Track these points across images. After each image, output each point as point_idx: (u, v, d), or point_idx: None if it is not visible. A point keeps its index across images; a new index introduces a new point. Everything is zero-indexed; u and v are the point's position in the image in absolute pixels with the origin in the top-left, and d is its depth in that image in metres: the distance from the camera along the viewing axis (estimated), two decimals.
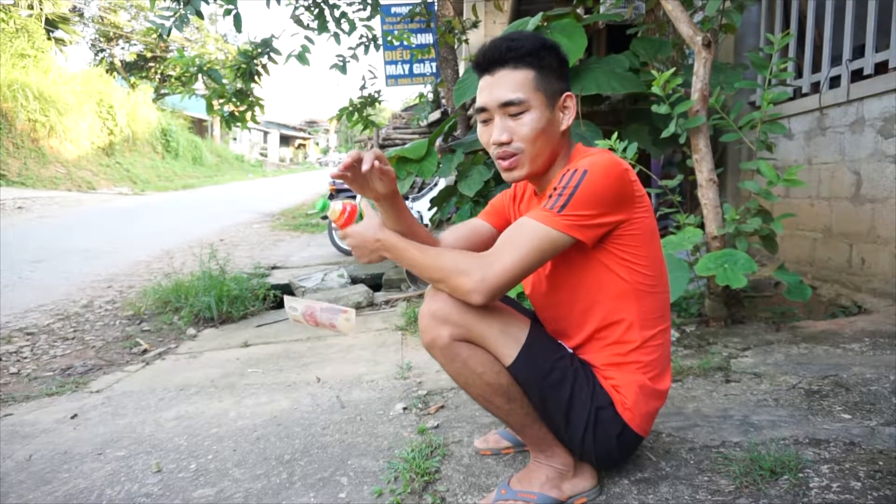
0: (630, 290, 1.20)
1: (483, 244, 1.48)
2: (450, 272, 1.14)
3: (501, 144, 1.21)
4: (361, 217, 1.27)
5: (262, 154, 35.72)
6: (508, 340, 1.18)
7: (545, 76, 1.21)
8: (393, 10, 8.44)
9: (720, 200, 2.48)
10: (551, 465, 1.28)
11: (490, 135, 1.23)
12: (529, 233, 1.12)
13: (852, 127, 2.92)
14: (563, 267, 1.25)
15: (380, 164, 1.22)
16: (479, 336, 1.18)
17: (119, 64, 25.60)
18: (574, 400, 1.19)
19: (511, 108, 1.19)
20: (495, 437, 1.57)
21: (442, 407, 1.92)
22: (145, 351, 3.22)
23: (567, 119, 1.25)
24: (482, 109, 1.23)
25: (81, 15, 24.20)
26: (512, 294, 2.18)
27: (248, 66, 4.64)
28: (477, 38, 6.90)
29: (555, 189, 1.14)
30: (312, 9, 4.77)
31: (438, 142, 3.90)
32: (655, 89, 2.43)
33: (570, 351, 1.26)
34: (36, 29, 16.01)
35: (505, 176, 1.26)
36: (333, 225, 1.29)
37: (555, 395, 1.19)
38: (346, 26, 4.91)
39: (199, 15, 3.70)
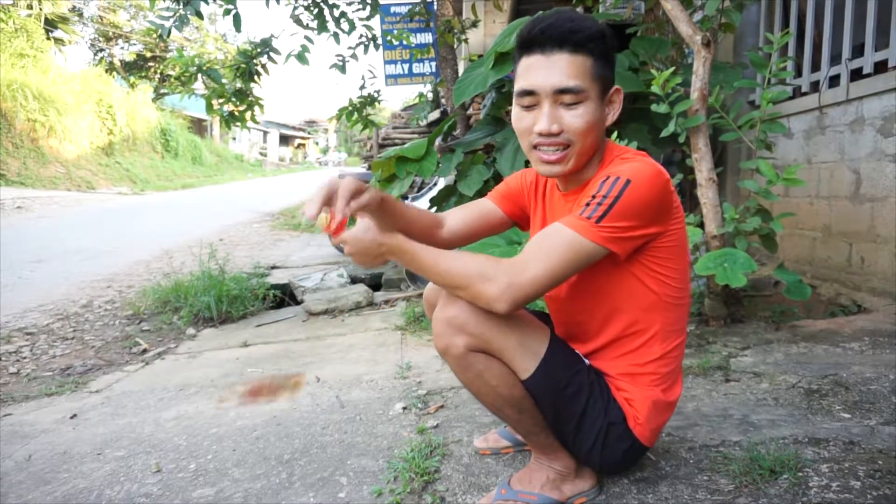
0: (658, 302, 1.16)
1: (490, 229, 1.41)
2: (473, 278, 1.05)
3: (550, 135, 1.11)
4: (354, 220, 1.18)
5: (261, 154, 35.73)
6: (526, 354, 1.14)
7: (602, 66, 1.11)
8: (392, 9, 8.43)
9: (720, 199, 2.48)
10: (552, 467, 1.27)
11: (532, 121, 1.12)
12: (564, 242, 1.05)
13: (852, 126, 2.92)
14: (588, 274, 1.16)
15: (356, 205, 1.11)
16: (496, 348, 1.13)
17: (118, 64, 25.59)
18: (587, 415, 1.17)
19: (567, 96, 1.08)
20: (495, 436, 1.56)
21: (441, 406, 1.92)
22: (145, 351, 3.22)
23: (612, 115, 1.16)
24: (529, 93, 1.11)
25: (80, 15, 24.20)
26: None
27: (248, 65, 4.64)
28: (476, 38, 6.91)
29: (593, 197, 1.07)
30: (312, 8, 4.77)
31: (438, 141, 3.89)
32: (655, 88, 2.42)
33: (587, 363, 1.22)
34: (35, 29, 16.01)
35: (544, 169, 1.16)
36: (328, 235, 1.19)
37: (568, 409, 1.17)
38: (345, 26, 4.91)
39: (199, 15, 3.70)
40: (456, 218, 1.40)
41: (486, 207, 1.42)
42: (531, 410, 1.18)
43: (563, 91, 1.09)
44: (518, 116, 1.16)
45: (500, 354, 1.14)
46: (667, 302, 1.17)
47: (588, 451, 1.20)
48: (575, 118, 1.10)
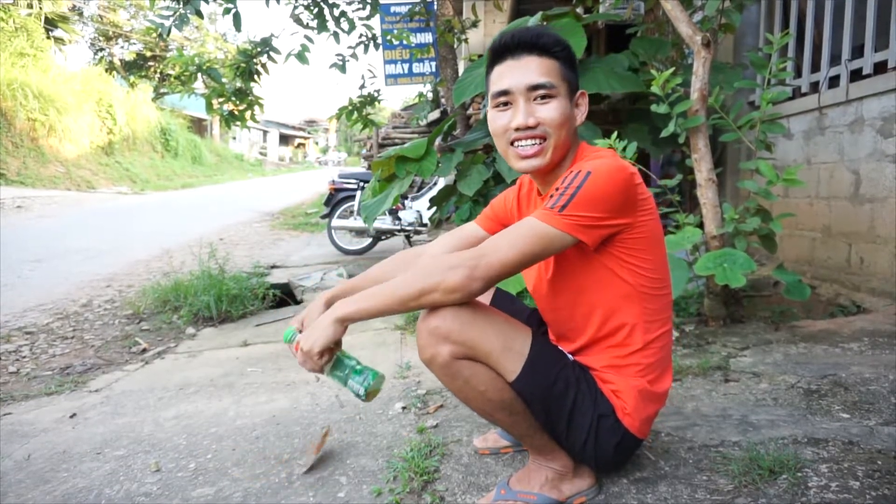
0: (634, 293, 1.19)
1: None
2: (439, 274, 1.08)
3: (527, 128, 1.18)
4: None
5: (261, 153, 35.70)
6: (511, 356, 1.15)
7: (568, 69, 1.21)
8: (392, 9, 8.44)
9: (719, 200, 2.48)
10: (551, 467, 1.27)
11: (508, 120, 1.20)
12: (528, 229, 1.10)
13: (851, 126, 2.92)
14: (565, 271, 1.23)
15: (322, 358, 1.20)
16: (482, 353, 1.14)
17: (118, 63, 25.57)
18: (576, 410, 1.18)
19: (540, 91, 1.17)
20: (494, 436, 1.57)
21: (441, 406, 1.92)
22: (144, 350, 3.22)
23: (580, 116, 1.25)
24: (504, 93, 1.19)
25: (81, 14, 24.18)
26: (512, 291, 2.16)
27: (248, 65, 4.65)
28: (476, 38, 6.90)
29: (556, 189, 1.12)
30: (312, 8, 4.78)
31: (438, 141, 3.89)
32: (655, 89, 2.43)
33: (571, 358, 1.25)
34: (35, 28, 15.99)
35: (522, 164, 1.21)
36: (294, 338, 1.26)
37: (557, 406, 1.18)
38: (345, 25, 4.92)
39: (199, 14, 3.70)
40: (440, 248, 1.44)
41: (470, 231, 1.48)
42: (523, 413, 1.19)
43: (535, 87, 1.18)
44: (493, 117, 1.24)
45: (486, 359, 1.15)
46: (643, 292, 1.19)
47: (581, 446, 1.20)
48: (549, 111, 1.18)
